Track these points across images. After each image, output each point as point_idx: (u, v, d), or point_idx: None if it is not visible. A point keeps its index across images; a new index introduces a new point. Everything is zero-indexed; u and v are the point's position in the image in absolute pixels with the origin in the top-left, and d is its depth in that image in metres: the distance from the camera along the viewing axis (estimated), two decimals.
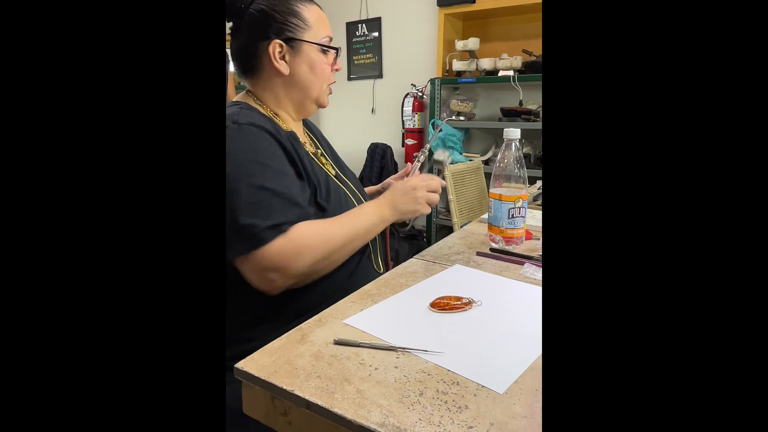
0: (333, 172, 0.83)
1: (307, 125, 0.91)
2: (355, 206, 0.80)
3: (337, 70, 0.81)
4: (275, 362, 0.48)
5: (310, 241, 0.66)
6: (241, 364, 0.47)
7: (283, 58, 0.75)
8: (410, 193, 0.76)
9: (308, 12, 0.76)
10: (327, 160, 0.85)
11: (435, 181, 0.79)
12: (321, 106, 0.83)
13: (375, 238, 0.82)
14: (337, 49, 0.80)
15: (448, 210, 2.44)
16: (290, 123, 0.80)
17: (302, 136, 0.83)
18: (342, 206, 0.77)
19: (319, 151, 0.85)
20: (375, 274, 0.79)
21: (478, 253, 0.82)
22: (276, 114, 0.78)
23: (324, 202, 0.74)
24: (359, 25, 3.03)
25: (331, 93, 0.83)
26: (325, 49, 0.77)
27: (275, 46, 0.74)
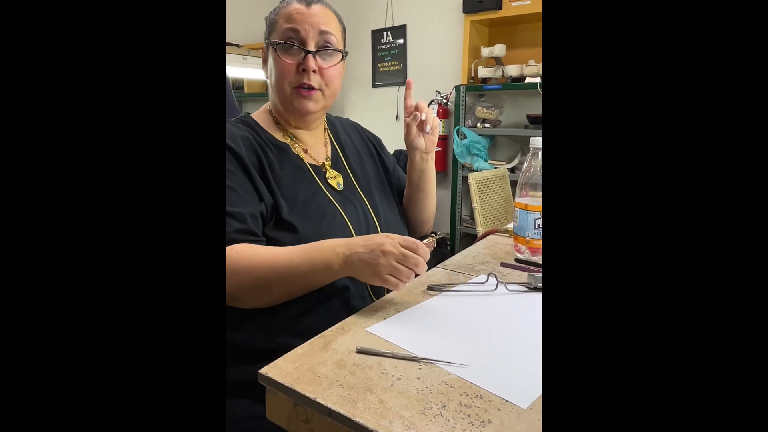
0: (339, 188, 0.77)
1: (337, 129, 0.86)
2: (346, 228, 0.72)
3: (303, 70, 0.70)
4: (298, 369, 0.48)
5: (234, 266, 0.59)
6: (264, 370, 0.48)
7: (267, 62, 0.75)
8: (375, 253, 0.56)
9: (283, 11, 0.72)
10: (337, 173, 0.79)
11: (414, 257, 0.56)
12: (294, 111, 0.74)
13: None
14: (297, 46, 0.70)
15: (472, 218, 2.42)
16: (293, 129, 0.77)
17: (312, 145, 0.79)
18: (323, 228, 0.69)
19: (327, 163, 0.79)
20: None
21: (503, 264, 0.81)
22: (279, 120, 0.77)
23: (293, 219, 0.67)
24: (384, 33, 3.05)
25: (305, 95, 0.71)
26: (286, 44, 0.70)
27: (262, 50, 0.77)
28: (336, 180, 0.78)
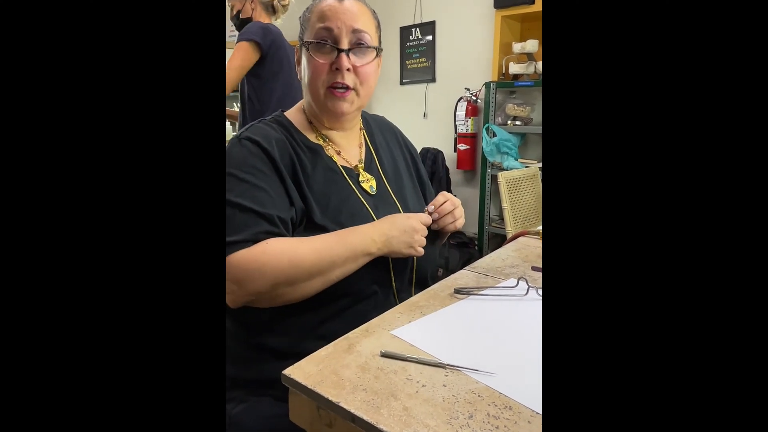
0: (372, 191, 0.75)
1: (373, 129, 0.84)
2: None
3: (337, 68, 0.68)
4: (322, 371, 0.48)
5: (275, 260, 0.60)
6: (288, 371, 0.47)
7: (300, 62, 0.74)
8: (410, 233, 0.68)
9: (316, 8, 0.71)
10: (371, 175, 0.77)
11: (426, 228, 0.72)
12: (327, 112, 0.72)
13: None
14: (328, 44, 0.68)
15: (501, 218, 2.36)
16: (326, 130, 0.75)
17: (346, 147, 0.77)
18: None
19: (360, 165, 0.77)
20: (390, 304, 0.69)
21: (534, 268, 0.78)
22: (312, 120, 0.76)
23: (326, 223, 0.67)
24: (413, 30, 3.02)
25: (339, 96, 0.70)
26: (319, 43, 0.69)
27: (296, 51, 0.76)
28: (369, 183, 0.76)
